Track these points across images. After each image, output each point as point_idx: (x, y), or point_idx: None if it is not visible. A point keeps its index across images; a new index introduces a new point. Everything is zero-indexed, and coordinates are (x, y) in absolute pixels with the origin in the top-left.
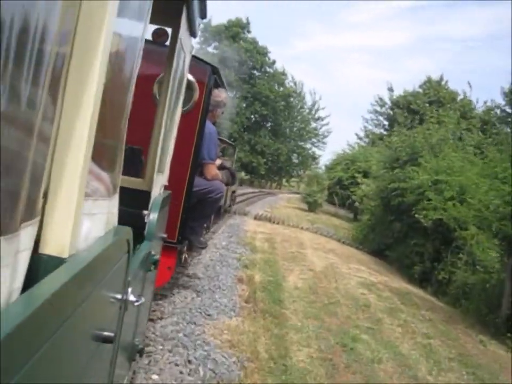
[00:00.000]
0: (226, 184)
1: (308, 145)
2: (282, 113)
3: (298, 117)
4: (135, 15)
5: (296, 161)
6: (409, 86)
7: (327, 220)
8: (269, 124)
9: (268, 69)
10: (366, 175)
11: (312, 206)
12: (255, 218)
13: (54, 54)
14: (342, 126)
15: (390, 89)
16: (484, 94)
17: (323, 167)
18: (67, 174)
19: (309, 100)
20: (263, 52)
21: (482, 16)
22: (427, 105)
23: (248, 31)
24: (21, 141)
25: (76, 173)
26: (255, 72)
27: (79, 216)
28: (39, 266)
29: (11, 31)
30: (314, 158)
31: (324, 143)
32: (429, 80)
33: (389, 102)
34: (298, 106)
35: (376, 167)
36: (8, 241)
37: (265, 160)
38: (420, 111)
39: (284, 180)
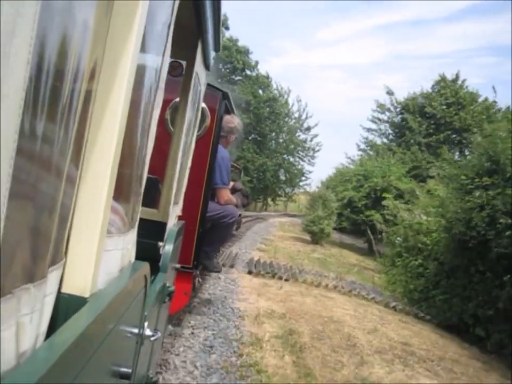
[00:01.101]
0: (242, 206)
1: (296, 160)
2: (267, 122)
3: (285, 127)
4: (156, 50)
5: (283, 178)
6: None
7: (340, 255)
8: (252, 136)
9: (250, 72)
10: (382, 194)
11: (317, 237)
12: (250, 272)
13: (81, 95)
14: (324, 144)
15: (390, 93)
16: None
17: (314, 185)
18: (89, 213)
19: (295, 110)
20: (244, 51)
21: (450, 34)
22: (444, 107)
23: (226, 28)
24: (51, 185)
25: (98, 212)
26: (233, 76)
27: (100, 255)
28: (61, 306)
29: (43, 72)
30: (303, 174)
31: (313, 157)
32: (443, 79)
33: (391, 107)
34: (284, 115)
35: (404, 184)
36: (37, 288)
37: (249, 178)
38: (437, 114)
39: (269, 199)
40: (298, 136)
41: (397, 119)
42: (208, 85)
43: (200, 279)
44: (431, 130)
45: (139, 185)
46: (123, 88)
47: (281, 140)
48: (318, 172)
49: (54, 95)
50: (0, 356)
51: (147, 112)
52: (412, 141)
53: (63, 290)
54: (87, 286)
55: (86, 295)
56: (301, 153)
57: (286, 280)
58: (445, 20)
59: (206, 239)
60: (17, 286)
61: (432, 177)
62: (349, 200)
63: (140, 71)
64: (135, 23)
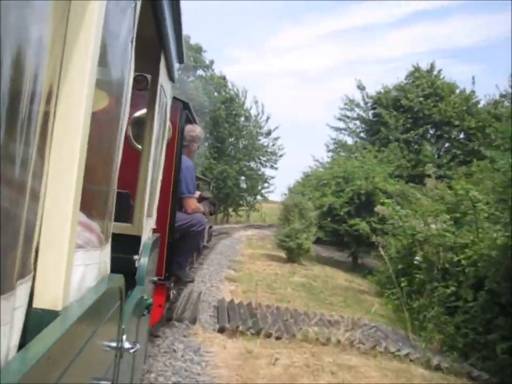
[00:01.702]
0: (210, 214)
1: (257, 166)
2: (225, 125)
3: (244, 131)
4: (119, 65)
5: (244, 185)
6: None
7: (325, 276)
8: (208, 141)
9: (204, 72)
10: (368, 198)
11: (294, 254)
12: (223, 329)
13: (40, 110)
14: (286, 149)
15: (361, 87)
16: None
17: (278, 192)
18: (56, 227)
19: (252, 113)
20: (197, 49)
21: (398, 38)
22: (421, 99)
23: None
24: (14, 200)
25: (65, 226)
26: (184, 77)
27: (70, 268)
28: (33, 321)
29: None
30: (266, 180)
31: (275, 161)
32: (417, 70)
33: (361, 103)
34: (243, 118)
35: (391, 185)
36: (6, 300)
37: (208, 186)
38: (414, 107)
39: (231, 210)
40: (259, 140)
41: (368, 115)
42: None
43: (174, 292)
44: (409, 125)
45: (110, 200)
46: (82, 104)
47: (241, 145)
48: (281, 178)
49: (12, 115)
50: None
51: (114, 127)
52: (389, 137)
53: (35, 305)
54: (59, 299)
55: (58, 308)
56: (262, 158)
57: (278, 338)
58: (393, 25)
59: (177, 249)
60: None
61: (428, 176)
62: (328, 208)
63: (103, 86)
64: (90, 39)
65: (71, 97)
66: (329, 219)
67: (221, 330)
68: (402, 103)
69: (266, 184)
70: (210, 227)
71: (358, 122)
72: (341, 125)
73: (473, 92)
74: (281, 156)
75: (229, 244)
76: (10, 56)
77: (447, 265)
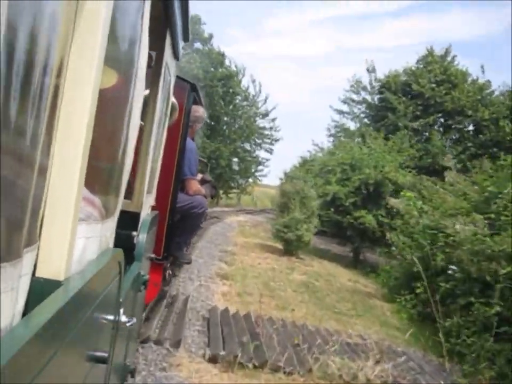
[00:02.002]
0: (211, 197)
1: (252, 147)
2: (221, 103)
3: (239, 111)
4: (130, 41)
5: (236, 167)
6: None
7: (328, 274)
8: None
9: (202, 46)
10: (376, 189)
11: (292, 246)
12: (215, 359)
13: (50, 88)
14: (281, 135)
15: (371, 70)
16: None
17: (273, 176)
18: (62, 200)
19: (250, 93)
20: (196, 20)
21: (396, 28)
22: (433, 85)
23: None
24: (23, 171)
25: (70, 198)
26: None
27: (74, 240)
28: (36, 289)
29: (13, 66)
30: (260, 163)
31: (272, 143)
32: (430, 54)
33: (368, 86)
34: (240, 97)
35: (403, 177)
36: (13, 266)
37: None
38: (425, 94)
39: (221, 192)
40: (255, 121)
41: (374, 100)
42: (177, 76)
43: (170, 272)
44: (418, 113)
45: (119, 176)
46: (91, 80)
47: (236, 126)
48: (274, 163)
49: (23, 89)
50: None
51: (126, 103)
52: (397, 124)
53: (38, 274)
54: (61, 269)
55: (61, 278)
56: (257, 140)
57: (289, 374)
58: (392, 15)
59: (177, 230)
60: None
61: (446, 168)
62: (332, 197)
63: (113, 62)
64: (100, 15)
65: (80, 72)
66: (332, 209)
67: (213, 359)
68: (413, 88)
69: (260, 167)
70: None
71: (362, 107)
72: (345, 108)
73: (488, 81)
74: (277, 140)
75: (220, 230)
76: (23, 28)
77: (488, 278)
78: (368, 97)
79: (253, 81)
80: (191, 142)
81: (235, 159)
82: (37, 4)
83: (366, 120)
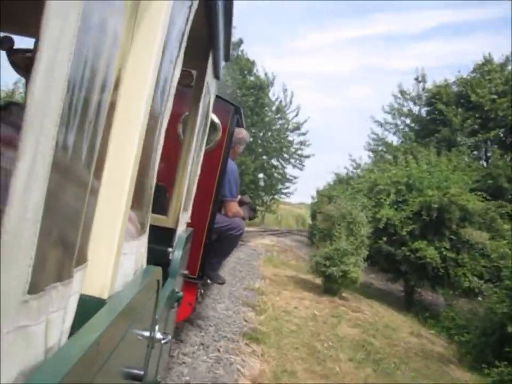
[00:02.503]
0: (249, 219)
1: (279, 163)
2: (250, 114)
3: (268, 123)
4: (169, 59)
5: (261, 183)
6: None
7: (384, 326)
8: None
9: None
10: (440, 214)
11: (335, 284)
12: None
13: (105, 106)
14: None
15: (420, 80)
16: None
17: (300, 194)
18: (109, 218)
19: (281, 104)
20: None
21: (419, 51)
22: (494, 96)
23: None
24: (77, 193)
25: (117, 217)
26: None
27: (119, 258)
28: (81, 306)
29: (77, 85)
30: (288, 179)
31: (301, 160)
32: (488, 62)
33: (416, 97)
34: (269, 109)
35: (472, 203)
36: (65, 286)
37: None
38: (484, 106)
39: None
40: (287, 136)
41: (421, 112)
42: (221, 98)
43: (202, 291)
44: (476, 126)
45: (149, 193)
46: (143, 100)
47: (265, 138)
48: (300, 180)
49: (84, 108)
50: (29, 349)
51: (158, 120)
52: (450, 139)
53: (83, 291)
54: (106, 288)
55: (105, 296)
56: (285, 155)
57: None
58: (416, 38)
59: (212, 250)
60: (48, 284)
61: None
62: (386, 224)
63: (156, 81)
64: (157, 35)
65: (134, 90)
66: (384, 238)
67: None
68: (471, 99)
69: (287, 184)
70: None
71: (407, 119)
72: (387, 119)
73: None
74: (307, 156)
75: (243, 257)
76: (91, 51)
77: None
78: (415, 109)
79: (284, 90)
80: (232, 164)
81: (261, 175)
82: (101, 21)
83: (411, 134)
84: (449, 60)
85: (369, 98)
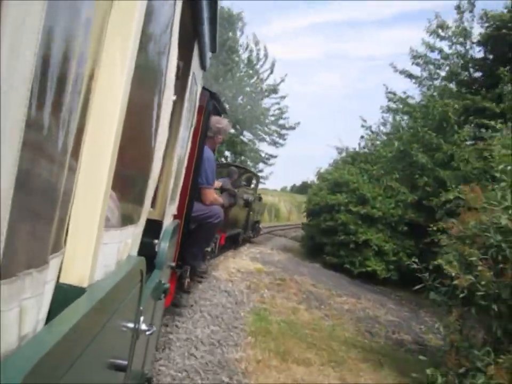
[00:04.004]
0: (229, 206)
1: (254, 138)
2: (218, 71)
3: (241, 83)
4: (159, 50)
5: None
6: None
7: None
8: None
9: None
10: None
11: None
12: None
13: (81, 92)
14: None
15: (463, 10)
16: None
17: (275, 179)
18: (88, 205)
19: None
20: None
21: (381, 37)
22: None
23: None
24: (53, 176)
25: (97, 204)
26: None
27: (99, 247)
28: (60, 295)
29: (47, 68)
30: (266, 158)
31: (281, 133)
32: None
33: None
34: (249, 67)
35: None
36: (40, 273)
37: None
38: None
39: None
40: (261, 99)
41: (469, 53)
42: None
43: (189, 280)
44: None
45: (144, 184)
46: (121, 86)
47: (234, 104)
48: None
49: (56, 91)
50: (2, 336)
51: (153, 111)
52: None
53: (62, 279)
54: (85, 276)
55: (84, 285)
56: (260, 128)
57: None
58: (378, 24)
59: (192, 239)
60: (21, 270)
61: None
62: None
63: (142, 71)
64: (133, 22)
65: (112, 76)
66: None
67: None
68: None
69: (261, 166)
70: (257, 222)
71: (441, 71)
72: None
73: None
74: (291, 128)
75: (201, 327)
76: (60, 34)
77: None
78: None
79: (256, 42)
80: (208, 151)
81: (227, 153)
82: (72, 8)
83: (449, 87)
84: (409, 47)
85: (336, 85)
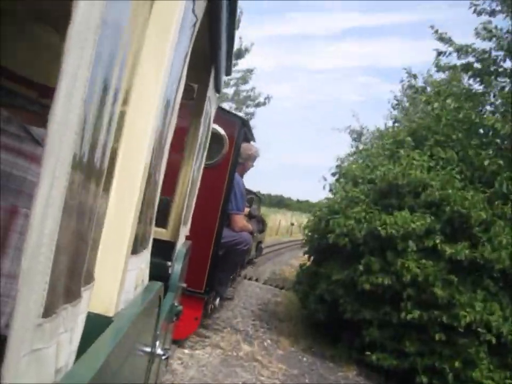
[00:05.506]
0: (258, 232)
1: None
2: None
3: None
4: (175, 75)
5: None
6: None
7: None
8: None
9: None
10: None
11: None
12: None
13: (114, 120)
14: None
15: None
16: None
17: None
18: (117, 234)
19: None
20: None
21: (332, 51)
22: None
23: None
24: (86, 212)
25: (125, 231)
26: None
27: (125, 276)
28: (88, 325)
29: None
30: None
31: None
32: None
33: None
34: None
35: None
36: (74, 307)
37: (258, 203)
38: None
39: None
40: None
41: None
42: (227, 111)
43: (213, 306)
44: None
45: (152, 207)
46: (152, 115)
47: None
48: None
49: (96, 122)
50: (41, 372)
51: (162, 135)
52: None
53: (89, 309)
54: (112, 305)
55: (111, 314)
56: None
57: None
58: (330, 38)
59: (220, 265)
60: (59, 306)
61: None
62: None
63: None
64: (166, 51)
65: (142, 107)
66: None
67: None
68: None
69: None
70: (260, 242)
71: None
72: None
73: None
74: (259, 105)
75: None
76: (102, 63)
77: None
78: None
79: None
80: (238, 178)
81: None
82: (113, 29)
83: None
84: (363, 61)
85: (287, 96)
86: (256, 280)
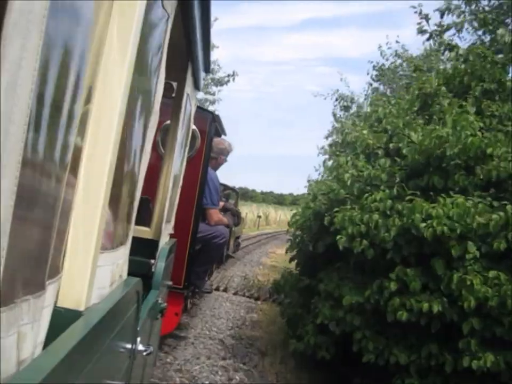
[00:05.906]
0: (234, 225)
1: None
2: None
3: None
4: (150, 72)
5: None
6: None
7: None
8: None
9: None
10: None
11: None
12: None
13: (76, 116)
14: None
15: None
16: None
17: None
18: (84, 230)
19: None
20: None
21: (291, 42)
22: None
23: None
24: (51, 201)
25: (93, 228)
26: None
27: (95, 270)
28: (57, 319)
29: (46, 92)
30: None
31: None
32: None
33: None
34: None
35: None
36: (36, 299)
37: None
38: None
39: None
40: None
41: None
42: (198, 107)
43: (191, 301)
44: None
45: (131, 205)
46: (116, 112)
47: None
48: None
49: (53, 115)
50: (1, 362)
51: (140, 133)
52: None
53: (59, 303)
54: (82, 300)
55: (81, 308)
56: None
57: None
58: (288, 29)
59: (197, 259)
60: (19, 296)
61: None
62: None
63: (134, 93)
64: (129, 45)
65: (107, 98)
66: None
67: None
68: None
69: None
70: (238, 237)
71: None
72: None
73: None
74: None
75: None
76: (57, 57)
77: None
78: None
79: None
80: (212, 172)
81: None
82: (71, 25)
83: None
84: (317, 52)
85: (244, 89)
86: (225, 290)
